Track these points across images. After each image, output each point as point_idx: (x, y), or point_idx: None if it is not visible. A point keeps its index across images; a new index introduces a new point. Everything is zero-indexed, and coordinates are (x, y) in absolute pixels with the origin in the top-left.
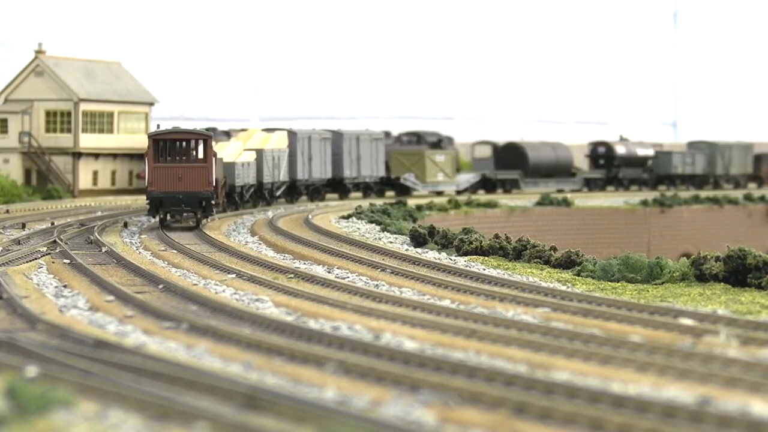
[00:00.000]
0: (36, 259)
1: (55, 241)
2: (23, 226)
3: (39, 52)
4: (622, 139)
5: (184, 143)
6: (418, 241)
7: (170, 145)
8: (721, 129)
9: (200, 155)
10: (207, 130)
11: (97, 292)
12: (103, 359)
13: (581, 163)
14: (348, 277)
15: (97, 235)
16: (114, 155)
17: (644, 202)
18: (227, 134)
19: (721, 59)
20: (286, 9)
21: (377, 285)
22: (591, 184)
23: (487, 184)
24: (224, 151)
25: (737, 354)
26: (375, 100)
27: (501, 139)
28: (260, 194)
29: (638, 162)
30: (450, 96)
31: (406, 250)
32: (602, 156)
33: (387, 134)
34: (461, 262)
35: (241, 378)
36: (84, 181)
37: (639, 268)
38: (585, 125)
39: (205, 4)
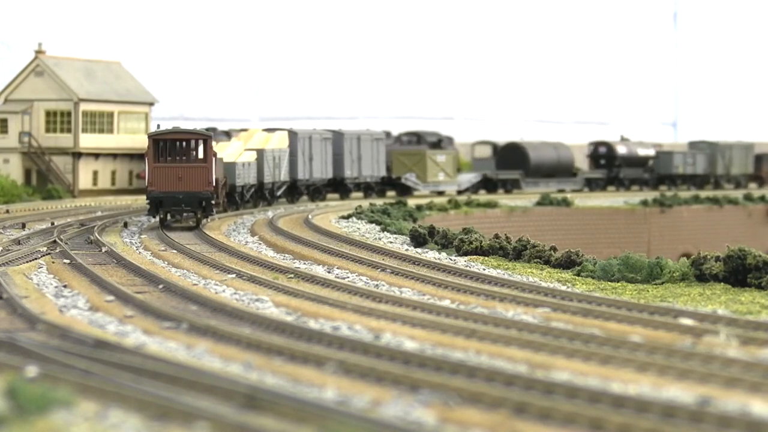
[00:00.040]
0: (36, 259)
1: (55, 241)
2: (23, 226)
3: (39, 52)
4: (623, 139)
5: (184, 143)
6: (418, 241)
7: (170, 145)
8: (721, 129)
9: (200, 155)
10: (207, 130)
11: (97, 292)
12: (103, 359)
13: (581, 163)
14: (348, 277)
15: (97, 235)
16: (114, 155)
17: (644, 202)
18: (227, 134)
19: (721, 59)
20: (286, 9)
21: (377, 285)
22: (592, 184)
23: (488, 184)
24: (225, 151)
25: (737, 354)
26: (375, 100)
27: (501, 139)
28: (261, 194)
29: (639, 162)
30: (450, 96)
31: (406, 250)
32: (603, 156)
33: (387, 134)
34: (461, 262)
35: (241, 378)
36: (84, 181)
37: (639, 268)
38: (585, 125)
39: (205, 4)
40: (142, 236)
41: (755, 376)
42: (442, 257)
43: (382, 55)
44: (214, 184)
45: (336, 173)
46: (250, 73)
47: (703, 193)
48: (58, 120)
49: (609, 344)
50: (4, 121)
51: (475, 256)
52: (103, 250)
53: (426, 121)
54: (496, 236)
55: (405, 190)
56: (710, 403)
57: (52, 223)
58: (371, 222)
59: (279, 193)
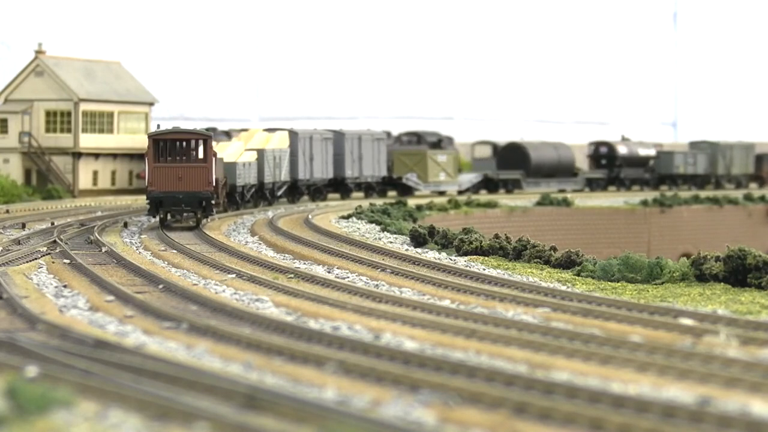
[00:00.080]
0: (36, 259)
1: (55, 241)
2: (23, 226)
3: (39, 52)
4: (624, 139)
5: (184, 143)
6: (418, 241)
7: (170, 145)
8: (721, 129)
9: (200, 155)
10: (207, 130)
11: (97, 292)
12: (103, 359)
13: (581, 163)
14: (348, 277)
15: (97, 235)
16: (114, 155)
17: (644, 202)
18: (227, 134)
19: (721, 59)
20: (286, 9)
21: (377, 285)
22: (593, 184)
23: (489, 184)
24: (225, 151)
25: (737, 354)
26: (375, 100)
27: (501, 139)
28: (261, 194)
29: (640, 162)
30: (450, 96)
31: (406, 250)
32: (604, 156)
33: (387, 134)
34: (461, 262)
35: (241, 378)
36: (84, 181)
37: (639, 268)
38: (585, 125)
39: (205, 4)
40: (142, 236)
41: (755, 376)
42: (442, 257)
43: (382, 55)
44: (214, 184)
45: (337, 173)
46: (250, 73)
47: (703, 193)
48: (58, 120)
49: (609, 344)
50: (4, 121)
51: (475, 256)
52: (103, 250)
53: (426, 121)
54: (496, 236)
55: (406, 190)
56: (710, 403)
57: (52, 223)
58: (371, 222)
59: (280, 193)
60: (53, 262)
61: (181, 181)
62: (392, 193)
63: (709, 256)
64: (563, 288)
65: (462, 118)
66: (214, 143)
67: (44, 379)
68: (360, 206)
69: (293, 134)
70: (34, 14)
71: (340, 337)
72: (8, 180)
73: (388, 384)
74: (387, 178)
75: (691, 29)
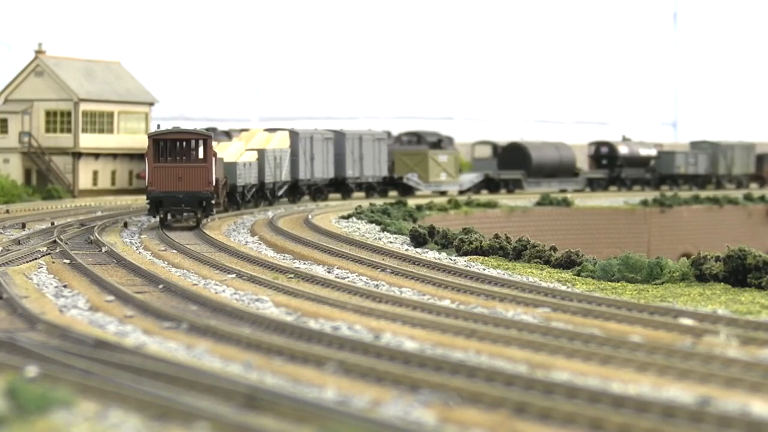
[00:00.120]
0: (36, 259)
1: (55, 241)
2: (23, 226)
3: (39, 52)
4: (625, 139)
5: (184, 143)
6: (418, 241)
7: (170, 145)
8: (721, 129)
9: (200, 155)
10: (207, 130)
11: (97, 292)
12: (103, 359)
13: (581, 163)
14: (348, 277)
15: (97, 235)
16: (114, 155)
17: (644, 202)
18: (227, 134)
19: (721, 59)
20: (286, 9)
21: (377, 285)
22: (594, 184)
23: (490, 184)
24: (226, 151)
25: (737, 354)
26: (375, 100)
27: (501, 139)
28: (262, 194)
29: (641, 162)
30: (450, 96)
31: (406, 250)
32: (605, 156)
33: (387, 134)
34: (461, 262)
35: (241, 378)
36: (84, 181)
37: (639, 268)
38: (585, 125)
39: (205, 4)
40: (142, 236)
41: (755, 376)
42: (442, 257)
43: (382, 55)
44: (214, 183)
45: (338, 173)
46: (250, 73)
47: (703, 193)
48: (58, 120)
49: (609, 344)
50: (4, 121)
51: (475, 256)
52: (103, 250)
53: (426, 121)
54: (496, 236)
55: (407, 190)
56: (710, 403)
57: (52, 223)
58: (371, 222)
59: (280, 193)
60: (53, 262)
61: (181, 181)
62: (393, 193)
63: (709, 256)
64: (563, 288)
65: (462, 118)
66: (214, 143)
67: (44, 379)
68: (360, 206)
69: (294, 134)
70: (34, 14)
71: (340, 337)
72: (8, 180)
73: (388, 384)
74: (388, 178)
75: (691, 29)
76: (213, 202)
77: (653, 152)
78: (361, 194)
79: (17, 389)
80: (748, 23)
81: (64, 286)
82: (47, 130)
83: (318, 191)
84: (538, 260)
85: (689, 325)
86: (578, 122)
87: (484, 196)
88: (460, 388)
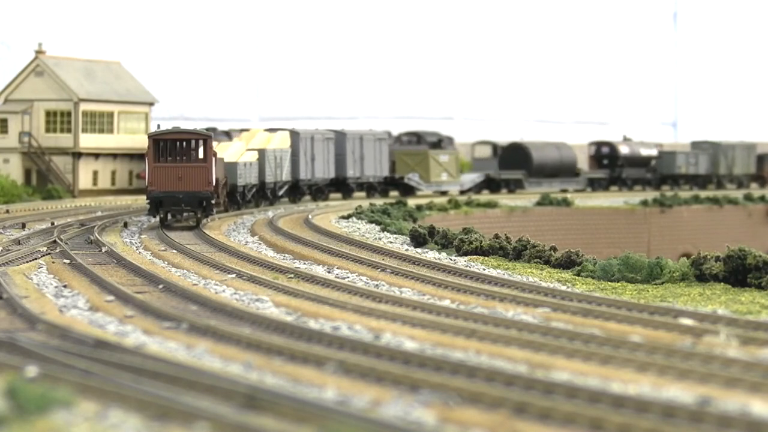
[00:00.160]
0: (36, 259)
1: (55, 241)
2: (23, 226)
3: (39, 52)
4: (626, 139)
5: (184, 143)
6: (418, 241)
7: (170, 145)
8: (721, 129)
9: (200, 155)
10: (207, 130)
11: (97, 292)
12: (103, 359)
13: (581, 162)
14: (348, 277)
15: (97, 235)
16: (114, 155)
17: (644, 202)
18: (227, 134)
19: (721, 59)
20: (286, 9)
21: (377, 285)
22: (595, 184)
23: (491, 184)
24: (227, 151)
25: (737, 354)
26: (375, 100)
27: (501, 139)
28: (263, 194)
29: (642, 162)
30: (450, 96)
31: (406, 250)
32: (606, 156)
33: (387, 134)
34: (461, 262)
35: (241, 378)
36: (84, 181)
37: (639, 268)
38: (585, 125)
39: (205, 4)
40: (142, 236)
41: (755, 376)
42: (442, 257)
43: (382, 55)
44: (214, 183)
45: (338, 173)
46: (250, 73)
47: (703, 193)
48: (58, 120)
49: (609, 344)
50: (4, 121)
51: (475, 256)
52: (103, 250)
53: (426, 121)
54: (496, 236)
55: (408, 190)
56: (710, 403)
57: (52, 223)
58: (371, 222)
59: (281, 192)
60: (53, 262)
61: (181, 181)
62: (394, 193)
63: (709, 256)
64: (563, 288)
65: (462, 118)
66: (214, 143)
67: (44, 379)
68: (360, 206)
69: (295, 134)
70: (34, 14)
71: (340, 337)
72: (8, 180)
73: (388, 384)
74: (389, 178)
75: (691, 29)
76: (213, 202)
77: (654, 152)
78: (362, 194)
79: (17, 389)
80: (748, 23)
81: (64, 286)
82: (47, 130)
83: (319, 191)
84: (538, 260)
85: (689, 325)
86: (578, 122)
87: (485, 196)
88: (460, 388)
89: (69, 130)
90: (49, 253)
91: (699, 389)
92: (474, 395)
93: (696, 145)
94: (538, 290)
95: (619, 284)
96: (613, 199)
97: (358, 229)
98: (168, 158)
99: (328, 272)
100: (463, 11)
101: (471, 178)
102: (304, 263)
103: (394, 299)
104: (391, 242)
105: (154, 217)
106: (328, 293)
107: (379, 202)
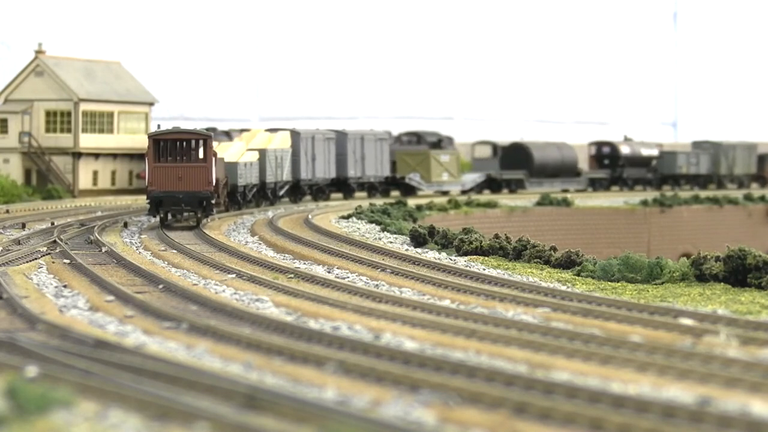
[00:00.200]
0: (36, 259)
1: (55, 241)
2: (23, 226)
3: (39, 52)
4: (627, 139)
5: (184, 143)
6: (418, 241)
7: (170, 145)
8: (721, 129)
9: (200, 155)
10: (207, 130)
11: (97, 292)
12: (103, 359)
13: (582, 162)
14: (348, 277)
15: (97, 235)
16: (114, 155)
17: (644, 202)
18: (227, 134)
19: (721, 59)
20: (286, 9)
21: (377, 285)
22: (596, 184)
23: (492, 184)
24: (227, 151)
25: (737, 354)
26: (375, 100)
27: (501, 139)
28: (263, 194)
29: (643, 162)
30: (450, 96)
31: (406, 250)
32: (607, 156)
33: (388, 134)
34: (461, 262)
35: (241, 378)
36: (84, 181)
37: (639, 268)
38: (585, 125)
39: (205, 4)
40: (142, 236)
41: (755, 376)
42: (442, 257)
43: (382, 55)
44: (214, 183)
45: (339, 173)
46: (250, 73)
47: (703, 193)
48: (58, 120)
49: (609, 344)
50: (4, 121)
51: (475, 256)
52: (103, 250)
53: (426, 121)
54: (496, 236)
55: (409, 190)
56: (710, 403)
57: (52, 223)
58: (371, 222)
59: (281, 192)
60: (53, 262)
61: (181, 181)
62: (395, 193)
63: (709, 256)
64: (563, 288)
65: (462, 118)
66: (214, 143)
67: (44, 379)
68: (360, 206)
69: (295, 134)
70: (34, 14)
71: (340, 337)
72: (8, 180)
73: (388, 384)
74: (390, 178)
75: (691, 29)
76: (213, 201)
77: (655, 152)
78: (363, 194)
79: (17, 389)
80: (748, 23)
81: (64, 286)
82: (47, 130)
83: (320, 191)
84: (538, 260)
85: (689, 325)
86: (578, 122)
87: (485, 196)
88: (460, 388)
89: (69, 130)
90: (49, 253)
91: (699, 389)
92: (474, 395)
93: (697, 145)
94: (538, 290)
95: (619, 284)
96: (613, 199)
97: (358, 229)
98: (168, 158)
99: (328, 272)
100: (463, 11)
101: (472, 178)
102: (304, 263)
103: (394, 299)
104: (391, 242)
105: (154, 217)
106: (328, 293)
107: (379, 202)
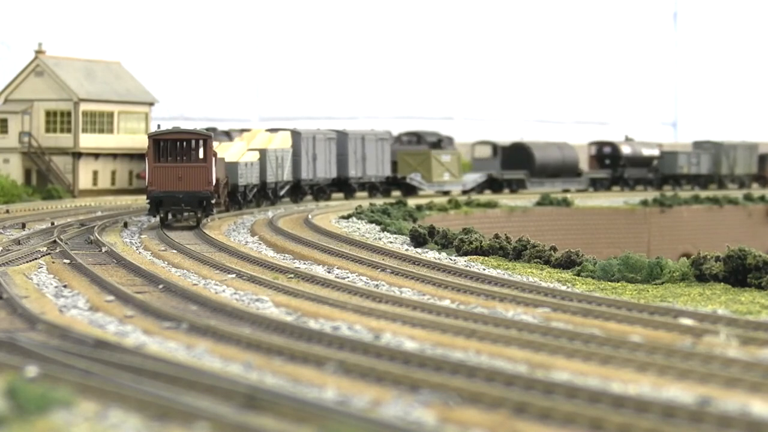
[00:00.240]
0: (36, 259)
1: (55, 241)
2: (23, 226)
3: (39, 52)
4: (628, 139)
5: (184, 143)
6: (418, 241)
7: (170, 145)
8: (721, 129)
9: (200, 155)
10: (207, 130)
11: (97, 292)
12: (103, 359)
13: (581, 162)
14: (348, 277)
15: (97, 235)
16: (114, 155)
17: (644, 202)
18: (227, 134)
19: (721, 59)
20: (286, 9)
21: (377, 285)
22: (597, 184)
23: (493, 184)
24: (228, 151)
25: (737, 354)
26: (375, 100)
27: (501, 139)
28: (264, 194)
29: (643, 162)
30: (450, 96)
31: (406, 250)
32: (608, 156)
33: (389, 134)
34: (461, 262)
35: (241, 378)
36: (84, 181)
37: (639, 268)
38: (585, 125)
39: (205, 4)
40: (142, 236)
41: (755, 376)
42: (442, 257)
43: (382, 55)
44: (214, 183)
45: (340, 173)
46: (250, 73)
47: (703, 193)
48: (58, 120)
49: (609, 344)
50: (4, 121)
51: (475, 256)
52: (103, 250)
53: (426, 121)
54: (496, 236)
55: (410, 190)
56: (710, 403)
57: (52, 223)
58: (371, 222)
59: (282, 192)
60: (53, 262)
61: (181, 181)
62: (396, 193)
63: (709, 256)
64: (563, 288)
65: (462, 118)
66: (215, 143)
67: (44, 379)
68: (360, 206)
69: (296, 134)
70: (34, 14)
71: (340, 337)
72: (8, 180)
73: (388, 384)
74: (391, 178)
75: (691, 29)
76: (213, 201)
77: (656, 152)
78: (364, 194)
79: (17, 389)
80: (748, 23)
81: (64, 286)
82: (47, 130)
83: (320, 191)
84: (538, 260)
85: (689, 325)
86: (578, 122)
87: (485, 196)
88: (460, 388)
89: (69, 130)
90: (49, 253)
91: (699, 389)
92: (474, 395)
93: (698, 145)
94: (538, 290)
95: (619, 284)
96: (613, 199)
97: (358, 229)
98: (168, 158)
99: (328, 272)
100: (463, 11)
101: (473, 178)
102: (304, 263)
103: (394, 299)
104: (391, 242)
105: (154, 217)
106: (328, 293)
107: (380, 202)
